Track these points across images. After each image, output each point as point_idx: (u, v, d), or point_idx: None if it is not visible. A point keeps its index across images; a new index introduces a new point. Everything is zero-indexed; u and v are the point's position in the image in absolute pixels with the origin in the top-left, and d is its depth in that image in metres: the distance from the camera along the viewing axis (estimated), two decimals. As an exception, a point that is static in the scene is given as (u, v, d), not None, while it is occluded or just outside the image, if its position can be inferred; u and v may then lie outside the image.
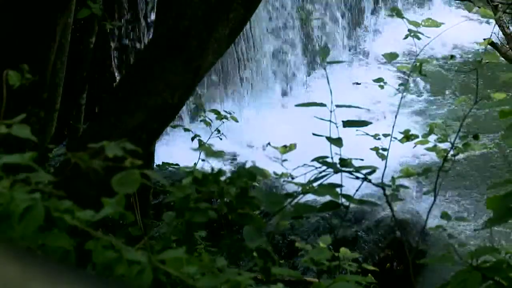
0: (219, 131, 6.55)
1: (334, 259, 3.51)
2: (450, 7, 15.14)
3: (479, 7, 4.99)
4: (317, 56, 12.51)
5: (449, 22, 5.20)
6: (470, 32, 12.79)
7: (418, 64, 4.00)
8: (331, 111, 3.14)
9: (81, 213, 2.14)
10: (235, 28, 4.03)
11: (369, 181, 2.90)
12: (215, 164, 2.60)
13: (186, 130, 6.82)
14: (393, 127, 3.72)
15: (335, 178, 2.82)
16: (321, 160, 2.87)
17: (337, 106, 3.15)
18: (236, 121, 6.75)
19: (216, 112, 6.56)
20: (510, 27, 7.94)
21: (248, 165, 2.53)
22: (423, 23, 4.04)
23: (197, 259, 2.37)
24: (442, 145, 3.99)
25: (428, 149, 4.10)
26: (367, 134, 4.13)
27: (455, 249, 2.93)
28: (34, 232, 2.05)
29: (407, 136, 4.26)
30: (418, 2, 15.17)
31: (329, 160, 2.87)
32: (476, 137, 3.88)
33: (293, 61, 12.50)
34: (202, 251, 3.36)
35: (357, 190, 2.89)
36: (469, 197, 10.13)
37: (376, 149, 4.21)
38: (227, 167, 9.75)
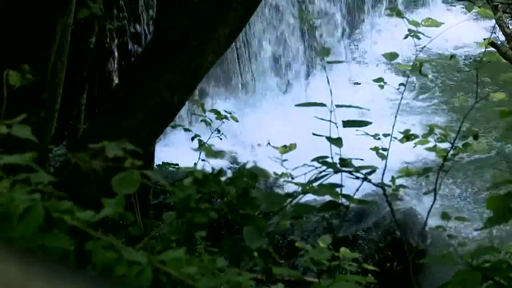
0: (219, 131, 6.55)
1: (334, 259, 3.51)
2: (450, 7, 15.14)
3: (479, 7, 4.99)
4: (317, 56, 12.51)
5: (449, 22, 5.20)
6: (470, 32, 12.79)
7: (418, 64, 4.00)
8: (331, 111, 3.14)
9: (81, 214, 2.13)
10: (235, 28, 4.03)
11: (369, 181, 2.90)
12: (214, 164, 2.59)
13: (186, 130, 6.82)
14: (393, 127, 3.72)
15: (335, 178, 2.82)
16: (321, 160, 2.87)
17: (337, 106, 3.15)
18: (236, 121, 6.75)
19: (216, 112, 6.55)
20: (510, 27, 7.94)
21: (249, 165, 2.53)
22: (423, 23, 4.04)
23: (198, 260, 2.37)
24: (442, 145, 3.98)
25: (428, 149, 4.10)
26: (367, 134, 4.12)
27: (455, 249, 2.93)
28: (34, 232, 2.05)
29: (407, 136, 4.25)
30: (418, 2, 15.17)
31: (329, 160, 2.87)
32: (476, 137, 3.87)
33: (293, 60, 12.50)
34: (202, 251, 3.36)
35: (357, 190, 2.88)
36: (469, 197, 10.13)
37: (376, 149, 4.20)
38: (227, 167, 9.76)
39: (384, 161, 3.60)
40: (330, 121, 3.10)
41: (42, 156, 4.42)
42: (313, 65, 12.72)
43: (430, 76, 12.50)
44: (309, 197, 2.86)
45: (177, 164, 7.04)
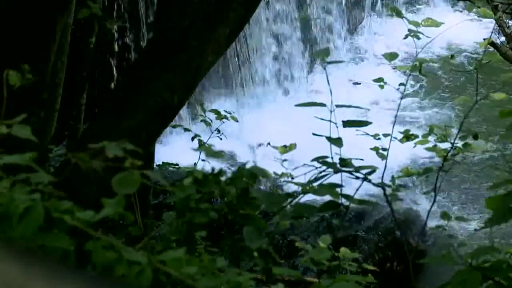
0: (219, 131, 6.55)
1: (334, 259, 3.51)
2: (450, 7, 15.14)
3: (479, 7, 4.99)
4: (317, 56, 12.51)
5: (449, 22, 5.20)
6: (470, 32, 12.79)
7: (418, 64, 4.00)
8: (331, 111, 3.14)
9: (81, 214, 2.13)
10: (235, 28, 4.03)
11: (369, 181, 2.90)
12: (214, 164, 2.60)
13: (186, 130, 6.82)
14: (393, 127, 3.72)
15: (335, 178, 2.81)
16: (321, 160, 2.87)
17: (337, 106, 3.15)
18: (236, 121, 6.75)
19: (216, 112, 6.55)
20: (510, 27, 7.94)
21: (248, 165, 2.53)
22: (423, 23, 4.04)
23: (198, 260, 2.37)
24: (442, 145, 3.98)
25: (428, 149, 4.10)
26: (367, 134, 4.12)
27: (455, 249, 2.93)
28: (34, 232, 2.05)
29: (407, 136, 4.25)
30: (418, 2, 15.17)
31: (329, 160, 2.86)
32: (475, 137, 3.87)
33: (293, 61, 12.50)
34: (202, 251, 3.36)
35: (357, 190, 2.88)
36: (469, 197, 10.13)
37: (376, 149, 4.20)
38: (227, 167, 9.76)
39: (384, 161, 3.60)
40: (330, 121, 3.10)
41: (42, 156, 4.42)
42: (313, 65, 12.73)
43: (438, 75, 12.50)
44: (309, 197, 2.86)
45: (177, 164, 7.04)
